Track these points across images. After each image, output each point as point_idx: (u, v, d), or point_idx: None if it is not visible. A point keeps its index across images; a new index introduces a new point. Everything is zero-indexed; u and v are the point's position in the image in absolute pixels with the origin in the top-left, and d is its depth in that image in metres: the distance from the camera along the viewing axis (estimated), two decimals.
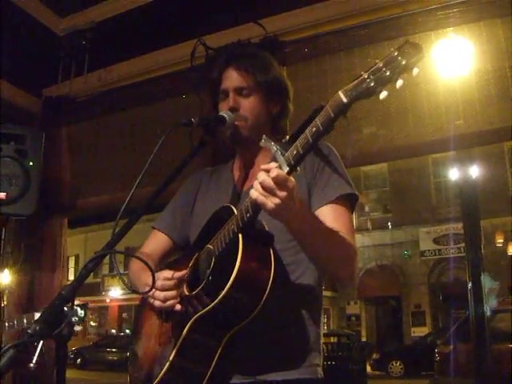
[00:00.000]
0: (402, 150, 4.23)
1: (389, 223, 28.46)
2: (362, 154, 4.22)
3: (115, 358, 27.14)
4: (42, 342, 1.30)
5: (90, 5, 5.37)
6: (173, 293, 2.04)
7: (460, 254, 23.29)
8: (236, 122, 2.19)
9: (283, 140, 2.33)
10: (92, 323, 38.97)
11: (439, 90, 4.08)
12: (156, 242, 2.51)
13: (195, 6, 4.73)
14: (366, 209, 28.94)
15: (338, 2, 4.21)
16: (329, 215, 2.07)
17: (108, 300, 37.68)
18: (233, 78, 2.27)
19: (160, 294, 2.04)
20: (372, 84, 1.58)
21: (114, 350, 27.82)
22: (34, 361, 1.25)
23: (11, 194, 4.64)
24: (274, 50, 2.71)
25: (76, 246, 33.22)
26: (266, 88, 2.27)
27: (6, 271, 5.07)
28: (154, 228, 2.56)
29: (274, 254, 1.91)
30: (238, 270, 1.80)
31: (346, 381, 8.32)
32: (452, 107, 3.99)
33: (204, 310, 1.88)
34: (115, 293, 36.16)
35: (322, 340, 2.27)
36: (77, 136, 5.72)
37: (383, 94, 1.58)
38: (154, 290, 2.02)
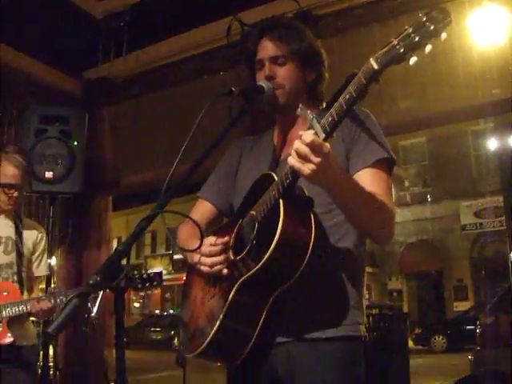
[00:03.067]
0: (438, 118, 4.26)
1: (428, 197, 28.16)
2: (398, 124, 4.27)
3: (159, 337, 27.45)
4: (101, 292, 1.41)
5: None
6: (219, 258, 2.12)
7: (502, 228, 22.95)
8: (274, 91, 2.23)
9: (320, 107, 2.39)
10: (136, 304, 39.47)
11: (475, 59, 4.08)
12: (202, 210, 2.56)
13: None
14: (406, 183, 28.59)
15: None
16: (367, 179, 2.12)
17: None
18: (268, 48, 2.32)
19: (207, 260, 2.13)
20: (402, 50, 1.59)
21: (157, 329, 28.13)
22: (95, 310, 1.36)
23: (57, 173, 4.80)
24: (308, 24, 2.75)
25: (118, 228, 33.54)
26: (300, 56, 2.31)
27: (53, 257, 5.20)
28: (198, 197, 2.63)
29: (314, 217, 1.98)
30: (280, 234, 1.88)
31: (387, 352, 8.34)
32: (487, 76, 3.98)
33: (249, 273, 1.96)
34: None
35: (366, 299, 2.36)
36: (118, 116, 5.85)
37: (413, 60, 1.60)
38: (201, 255, 2.13)
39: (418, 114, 4.21)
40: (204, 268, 2.15)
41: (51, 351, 4.96)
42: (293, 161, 1.78)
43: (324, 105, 2.29)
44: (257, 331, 2.03)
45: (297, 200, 1.99)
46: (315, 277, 2.09)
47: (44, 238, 4.04)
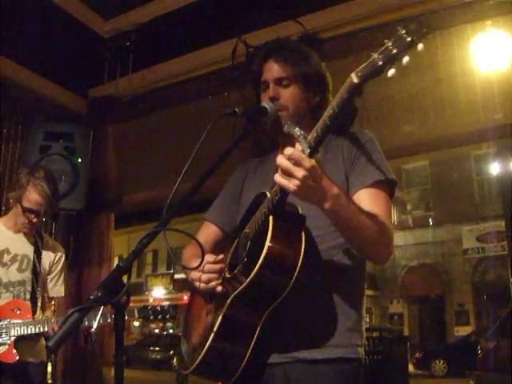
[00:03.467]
0: (439, 142, 4.28)
1: (430, 221, 28.12)
2: (400, 147, 4.29)
3: (158, 357, 27.35)
4: (102, 307, 1.43)
5: (133, 7, 5.53)
6: (215, 275, 2.15)
7: (504, 252, 22.90)
8: (277, 112, 2.24)
9: None
10: (135, 323, 39.35)
11: (477, 84, 4.11)
12: (207, 232, 2.60)
13: (235, 5, 4.86)
14: (408, 207, 28.59)
15: None
16: (365, 199, 2.12)
17: (151, 300, 37.92)
18: (273, 70, 2.35)
19: (203, 276, 2.15)
20: (380, 63, 1.63)
21: (157, 348, 28.02)
22: (95, 325, 1.38)
23: (61, 189, 4.80)
24: (313, 47, 2.80)
25: (119, 247, 33.47)
26: (305, 78, 2.33)
27: None
28: (204, 219, 2.66)
29: (305, 235, 1.98)
30: (267, 251, 1.89)
31: (387, 376, 8.33)
32: (490, 101, 4.01)
33: (239, 289, 1.97)
34: (158, 292, 36.41)
35: (365, 322, 2.36)
36: (122, 134, 5.90)
37: (391, 72, 1.64)
38: (200, 272, 2.15)
39: (420, 138, 4.24)
40: (201, 285, 2.17)
41: (50, 368, 4.96)
42: (278, 177, 1.80)
43: None
44: (250, 349, 2.03)
45: (288, 217, 2.01)
46: (312, 297, 2.11)
47: (62, 259, 4.08)
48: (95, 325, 1.29)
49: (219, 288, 2.14)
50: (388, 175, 2.20)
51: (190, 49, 5.35)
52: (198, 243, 1.84)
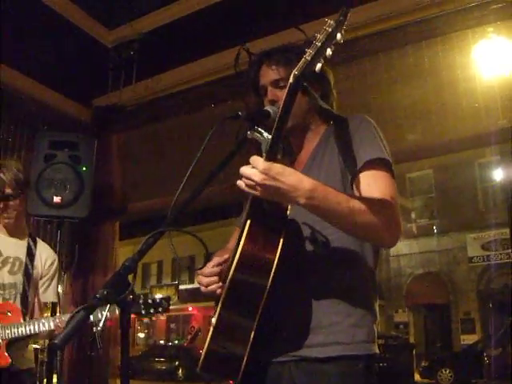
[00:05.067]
0: (442, 147, 4.30)
1: (435, 229, 27.98)
2: (404, 152, 4.31)
3: (163, 368, 27.21)
4: (108, 306, 1.44)
5: (137, 17, 5.57)
6: (214, 278, 2.18)
7: (509, 260, 22.83)
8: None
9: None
10: (141, 334, 39.28)
11: (479, 90, 4.12)
12: (236, 237, 2.59)
13: (238, 14, 4.89)
14: (413, 215, 28.51)
15: (376, 5, 4.31)
16: (361, 185, 2.10)
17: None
18: (267, 74, 2.37)
19: (203, 280, 2.20)
20: (309, 58, 1.72)
21: (162, 359, 27.89)
22: (101, 324, 1.40)
23: (66, 198, 4.83)
24: None
25: (124, 257, 33.29)
26: None
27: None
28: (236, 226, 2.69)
29: (284, 238, 1.96)
30: (240, 255, 1.91)
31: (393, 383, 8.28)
32: (492, 106, 4.02)
33: (223, 292, 1.98)
34: None
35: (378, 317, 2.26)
36: (126, 143, 5.93)
37: (317, 67, 1.74)
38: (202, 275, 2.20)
39: (423, 144, 4.26)
40: (202, 288, 2.20)
41: (55, 379, 4.96)
42: (242, 184, 1.85)
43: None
44: (248, 349, 2.02)
45: (268, 220, 2.01)
46: (309, 294, 2.12)
47: (55, 263, 4.06)
48: (101, 324, 1.30)
49: (218, 291, 2.16)
50: (378, 153, 2.15)
51: (194, 58, 5.39)
52: (203, 243, 1.85)
